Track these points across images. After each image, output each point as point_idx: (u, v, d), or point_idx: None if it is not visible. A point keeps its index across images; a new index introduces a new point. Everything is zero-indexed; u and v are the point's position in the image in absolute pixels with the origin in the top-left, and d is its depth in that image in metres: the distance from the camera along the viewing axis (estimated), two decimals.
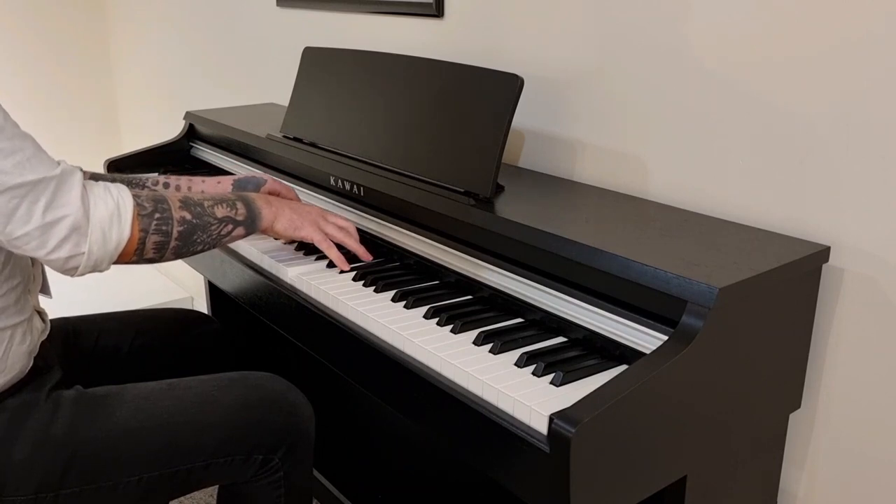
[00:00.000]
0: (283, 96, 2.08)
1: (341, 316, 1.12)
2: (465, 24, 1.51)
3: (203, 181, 1.40)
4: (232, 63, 2.34)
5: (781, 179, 1.09)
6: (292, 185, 1.53)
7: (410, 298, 1.11)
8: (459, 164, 1.22)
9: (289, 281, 1.24)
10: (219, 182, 1.39)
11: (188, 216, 1.09)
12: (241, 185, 1.39)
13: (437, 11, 1.54)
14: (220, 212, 1.13)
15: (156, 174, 1.37)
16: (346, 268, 1.22)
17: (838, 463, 1.11)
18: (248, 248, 1.36)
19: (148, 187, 1.36)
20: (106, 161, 1.80)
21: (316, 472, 1.89)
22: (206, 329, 1.46)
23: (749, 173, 1.12)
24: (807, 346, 1.07)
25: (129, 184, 1.35)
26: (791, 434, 1.14)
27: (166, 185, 1.37)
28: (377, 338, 1.06)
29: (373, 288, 1.16)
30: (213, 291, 2.06)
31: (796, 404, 1.09)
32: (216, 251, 1.41)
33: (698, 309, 0.86)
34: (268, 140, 1.60)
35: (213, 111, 1.92)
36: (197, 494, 1.98)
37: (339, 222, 1.26)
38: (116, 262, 1.05)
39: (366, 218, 1.34)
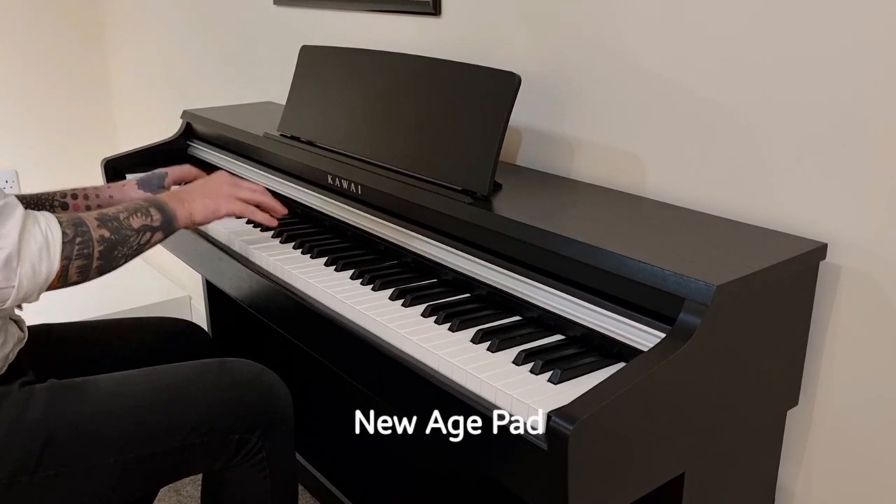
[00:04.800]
0: (280, 95, 2.08)
1: (339, 314, 1.12)
2: (463, 21, 1.51)
3: (109, 187, 1.44)
4: (229, 61, 2.34)
5: (779, 176, 1.09)
6: (290, 183, 1.53)
7: (408, 297, 1.11)
8: (457, 162, 1.22)
9: (286, 279, 1.24)
10: (123, 185, 1.44)
11: (107, 234, 1.09)
12: (144, 183, 1.44)
13: (435, 9, 1.54)
14: (137, 222, 1.14)
15: (63, 188, 1.40)
16: (275, 224, 1.35)
17: (835, 460, 1.11)
18: (247, 247, 1.36)
19: (58, 200, 1.37)
20: (103, 160, 1.80)
21: (314, 470, 1.90)
22: (195, 341, 1.45)
23: (746, 170, 1.12)
24: (804, 343, 1.07)
25: (38, 202, 1.35)
26: (788, 431, 1.14)
27: (75, 196, 1.38)
28: (375, 336, 1.06)
29: (371, 286, 1.16)
30: (211, 291, 2.06)
31: (794, 401, 1.09)
32: (214, 250, 1.41)
33: (696, 306, 0.86)
34: (265, 139, 1.59)
35: (211, 110, 1.92)
36: (186, 490, 1.97)
37: (251, 185, 1.34)
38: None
39: (363, 216, 1.34)
